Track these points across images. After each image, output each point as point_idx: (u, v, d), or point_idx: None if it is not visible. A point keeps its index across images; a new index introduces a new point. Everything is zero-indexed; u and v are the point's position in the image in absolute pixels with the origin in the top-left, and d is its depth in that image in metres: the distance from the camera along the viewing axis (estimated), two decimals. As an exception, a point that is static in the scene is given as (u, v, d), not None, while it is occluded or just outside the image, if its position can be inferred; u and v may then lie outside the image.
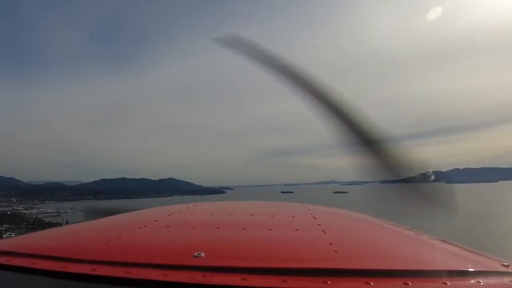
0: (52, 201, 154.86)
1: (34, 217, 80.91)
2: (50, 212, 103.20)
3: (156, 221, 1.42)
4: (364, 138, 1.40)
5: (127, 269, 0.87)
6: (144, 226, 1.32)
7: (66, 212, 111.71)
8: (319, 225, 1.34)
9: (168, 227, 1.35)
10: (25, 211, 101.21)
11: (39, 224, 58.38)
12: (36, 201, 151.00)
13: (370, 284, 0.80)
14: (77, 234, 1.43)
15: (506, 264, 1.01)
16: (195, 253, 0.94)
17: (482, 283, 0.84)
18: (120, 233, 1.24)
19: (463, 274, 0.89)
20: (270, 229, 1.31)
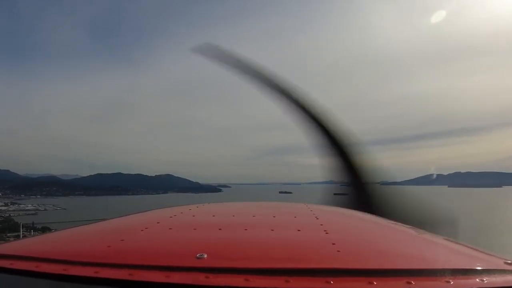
0: (39, 196, 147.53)
1: (7, 215, 73.66)
2: (28, 210, 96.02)
3: (158, 223, 1.42)
4: (333, 141, 1.55)
5: (130, 271, 0.86)
6: (146, 228, 1.31)
7: (45, 209, 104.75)
8: (321, 225, 1.32)
9: (170, 229, 1.34)
10: (3, 208, 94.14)
11: (4, 226, 51.14)
12: (23, 195, 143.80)
13: (373, 283, 0.79)
14: (79, 236, 1.43)
15: (510, 261, 1.00)
16: (197, 255, 0.94)
17: (485, 281, 0.83)
18: (123, 236, 1.24)
19: (466, 272, 0.88)
20: (272, 230, 1.30)
